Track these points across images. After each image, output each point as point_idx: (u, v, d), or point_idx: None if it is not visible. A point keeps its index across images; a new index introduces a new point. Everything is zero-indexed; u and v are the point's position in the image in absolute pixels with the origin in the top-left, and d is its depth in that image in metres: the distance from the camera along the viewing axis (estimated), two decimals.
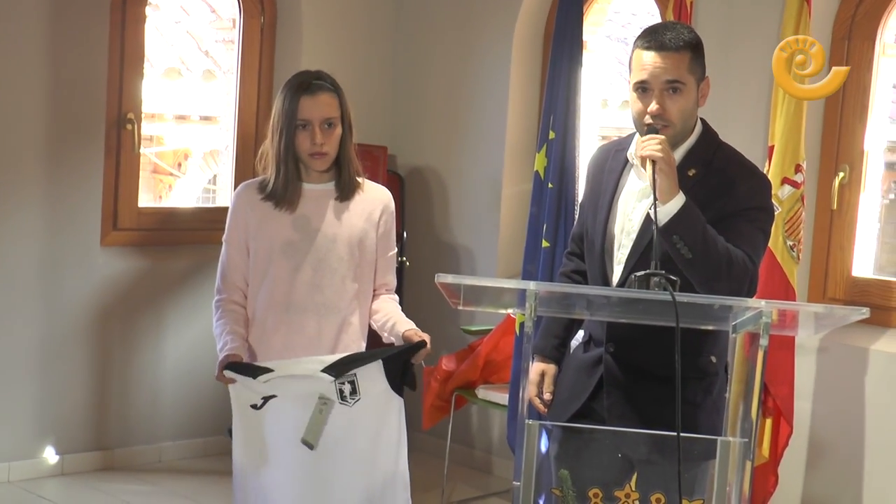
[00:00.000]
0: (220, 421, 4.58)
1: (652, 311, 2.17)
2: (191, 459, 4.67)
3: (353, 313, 2.81)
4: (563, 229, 3.84)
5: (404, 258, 4.63)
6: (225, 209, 2.91)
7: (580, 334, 2.65)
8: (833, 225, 3.86)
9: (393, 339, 2.78)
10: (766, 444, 3.57)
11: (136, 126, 4.45)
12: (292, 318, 2.76)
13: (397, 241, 2.94)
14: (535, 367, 2.62)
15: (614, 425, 2.39)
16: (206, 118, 6.44)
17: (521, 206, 4.57)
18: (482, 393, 4.24)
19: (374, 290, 2.88)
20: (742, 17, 3.96)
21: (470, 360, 4.30)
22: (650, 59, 2.38)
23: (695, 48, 2.42)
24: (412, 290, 4.68)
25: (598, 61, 4.81)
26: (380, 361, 2.65)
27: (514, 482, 2.19)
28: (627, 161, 2.54)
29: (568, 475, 2.22)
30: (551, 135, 3.90)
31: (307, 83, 2.74)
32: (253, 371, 2.65)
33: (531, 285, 2.19)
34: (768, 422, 3.56)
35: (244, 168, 4.75)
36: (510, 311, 3.54)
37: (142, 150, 4.58)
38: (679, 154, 2.46)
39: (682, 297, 2.11)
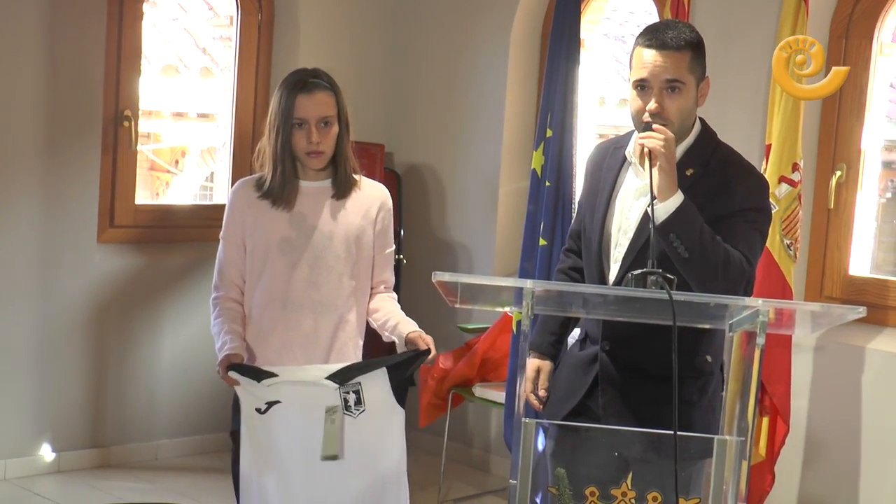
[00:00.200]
0: (218, 419, 4.58)
1: (648, 309, 2.17)
2: (187, 457, 4.66)
3: (350, 311, 2.81)
4: (560, 227, 3.85)
5: (401, 256, 4.63)
6: (222, 206, 2.91)
7: (576, 331, 2.65)
8: (830, 224, 3.86)
9: (395, 339, 2.78)
10: (763, 442, 3.57)
11: (133, 123, 4.45)
12: (289, 315, 2.76)
13: (394, 239, 2.93)
14: (531, 364, 2.62)
15: (609, 424, 2.39)
16: (203, 115, 6.44)
17: (519, 203, 4.57)
18: (479, 391, 4.25)
19: (372, 288, 2.88)
20: (739, 15, 3.96)
21: (467, 358, 4.30)
22: (651, 57, 2.38)
23: (696, 48, 2.41)
24: (409, 288, 4.68)
25: (596, 59, 4.81)
26: (384, 369, 2.66)
27: (510, 480, 2.19)
28: (625, 159, 2.54)
29: (564, 473, 2.21)
30: (549, 133, 3.90)
31: (304, 82, 2.74)
32: (257, 374, 2.65)
33: (528, 283, 2.19)
34: (765, 420, 3.56)
35: (241, 165, 4.75)
36: (507, 309, 3.54)
37: (139, 147, 4.58)
38: (677, 153, 2.45)
39: (679, 296, 2.11)
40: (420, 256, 4.85)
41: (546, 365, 2.63)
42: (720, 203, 2.40)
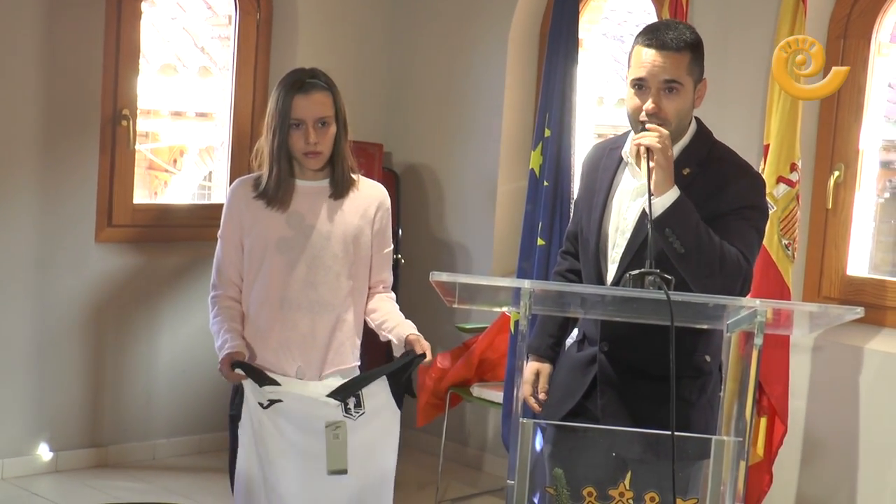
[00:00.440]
0: (215, 418, 4.58)
1: (646, 309, 2.17)
2: (185, 457, 4.66)
3: (347, 310, 2.81)
4: (558, 227, 3.85)
5: (399, 255, 4.63)
6: (220, 206, 2.91)
7: (574, 332, 2.65)
8: (828, 224, 3.86)
9: (393, 339, 2.78)
10: (761, 442, 3.57)
11: (131, 122, 4.45)
12: (286, 315, 2.76)
13: (392, 239, 2.93)
14: (530, 367, 2.62)
15: (608, 424, 2.39)
16: (201, 115, 6.43)
17: (517, 203, 4.57)
18: (477, 391, 4.25)
19: (371, 288, 2.88)
20: (738, 15, 3.96)
21: (465, 358, 4.30)
22: (650, 57, 2.38)
23: (695, 49, 2.41)
24: (407, 288, 4.68)
25: (594, 59, 4.81)
26: (384, 377, 2.69)
27: (508, 480, 2.19)
28: (622, 159, 2.54)
29: (562, 474, 2.21)
30: (547, 132, 3.90)
31: (301, 82, 2.73)
32: (261, 378, 2.66)
33: (526, 283, 2.18)
34: (763, 420, 3.56)
35: (239, 164, 4.75)
36: (505, 309, 3.54)
37: (137, 147, 4.58)
38: (674, 153, 2.45)
39: (677, 296, 2.11)
40: (418, 256, 4.85)
41: (545, 368, 2.63)
42: (717, 201, 2.40)
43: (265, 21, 4.83)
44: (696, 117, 2.52)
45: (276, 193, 2.76)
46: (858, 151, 3.81)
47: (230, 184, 3.34)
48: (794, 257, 3.57)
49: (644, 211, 2.38)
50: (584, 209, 2.58)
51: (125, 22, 4.41)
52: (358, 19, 4.98)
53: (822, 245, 3.87)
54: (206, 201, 6.00)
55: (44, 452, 4.36)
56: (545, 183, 3.89)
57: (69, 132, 4.31)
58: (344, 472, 2.63)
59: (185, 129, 6.66)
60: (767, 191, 3.40)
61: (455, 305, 2.31)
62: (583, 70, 4.03)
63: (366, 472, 2.70)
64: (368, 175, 2.98)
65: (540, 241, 3.87)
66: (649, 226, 2.25)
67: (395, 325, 2.78)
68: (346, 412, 2.66)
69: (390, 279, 2.91)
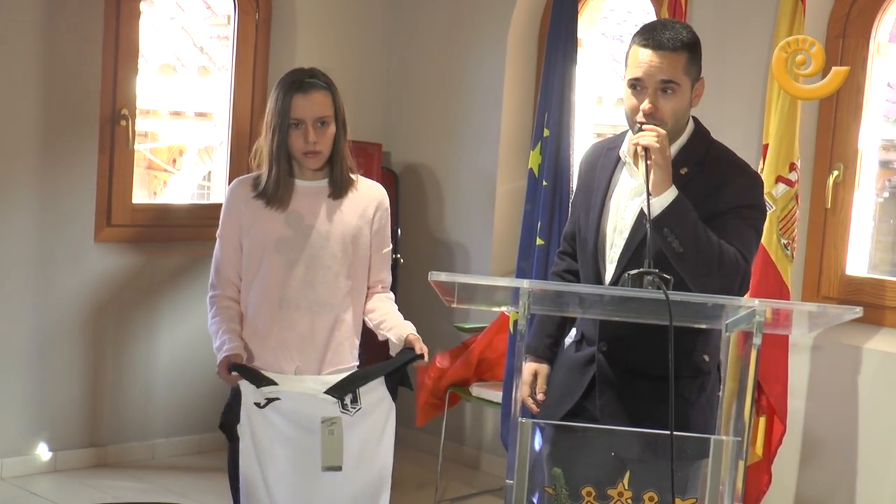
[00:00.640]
0: (214, 418, 4.55)
1: (645, 309, 2.17)
2: (184, 456, 4.66)
3: (346, 310, 2.81)
4: (557, 227, 3.84)
5: (398, 255, 4.63)
6: (219, 205, 2.91)
7: (572, 332, 2.65)
8: (827, 223, 3.86)
9: (392, 338, 2.78)
10: (760, 442, 3.57)
11: (130, 122, 4.45)
12: (285, 314, 2.76)
13: (391, 239, 2.94)
14: (528, 367, 2.62)
15: (606, 424, 2.39)
16: (200, 114, 6.43)
17: (516, 203, 4.57)
18: (476, 391, 4.25)
19: (369, 288, 2.88)
20: (736, 15, 3.96)
21: (464, 358, 4.30)
22: (646, 57, 2.38)
23: (692, 49, 2.41)
24: (406, 287, 4.67)
25: (593, 59, 4.81)
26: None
27: (507, 480, 2.19)
28: (619, 159, 2.53)
29: (561, 473, 2.21)
30: (546, 132, 3.90)
31: (300, 81, 2.73)
32: (257, 380, 2.66)
33: (524, 283, 2.18)
34: (762, 420, 3.56)
35: (239, 164, 4.75)
36: (504, 308, 3.54)
37: (136, 146, 4.57)
38: (671, 152, 2.45)
39: (676, 296, 2.11)
40: (417, 256, 4.85)
41: (543, 368, 2.63)
42: (715, 201, 2.40)
43: (264, 21, 4.83)
44: (693, 117, 2.52)
45: (275, 193, 2.76)
46: (857, 151, 3.81)
47: (229, 183, 3.35)
48: (793, 257, 3.57)
49: (642, 210, 2.38)
50: (582, 209, 2.58)
51: (124, 22, 4.41)
52: (357, 19, 4.97)
53: (821, 245, 3.87)
54: (205, 201, 6.00)
55: (43, 452, 4.36)
56: (544, 183, 3.89)
57: (68, 132, 4.31)
58: (338, 468, 2.63)
59: (184, 128, 6.66)
60: (766, 190, 3.40)
61: (454, 305, 2.31)
62: (582, 70, 4.03)
63: (364, 468, 2.70)
64: (367, 175, 2.98)
65: (539, 241, 3.87)
66: (647, 225, 2.24)
67: (394, 325, 2.79)
68: (342, 408, 2.66)
69: (389, 279, 2.91)
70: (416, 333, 2.74)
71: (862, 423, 3.68)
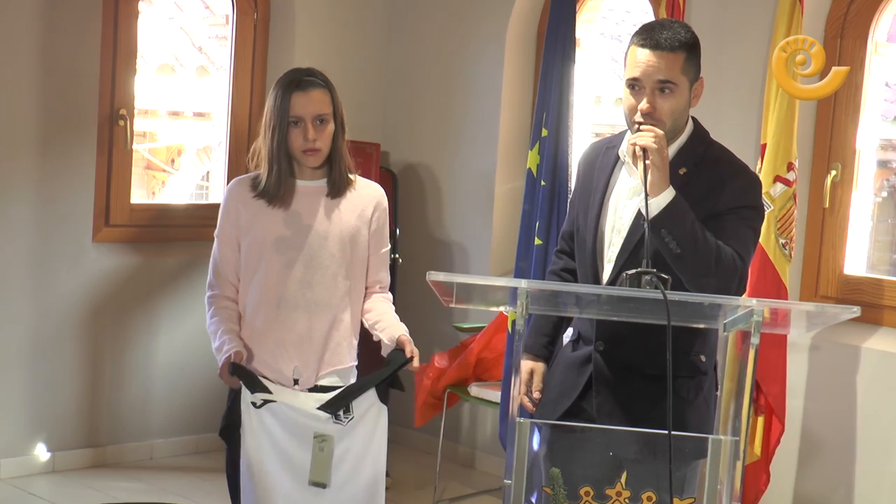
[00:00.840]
0: (213, 419, 4.56)
1: (643, 309, 2.17)
2: (182, 457, 4.66)
3: (344, 310, 2.81)
4: (555, 227, 3.85)
5: (397, 255, 4.63)
6: (218, 206, 2.91)
7: (569, 331, 2.65)
8: (825, 223, 3.86)
9: (384, 339, 2.78)
10: (758, 441, 3.57)
11: (128, 122, 4.44)
12: (283, 314, 2.76)
13: (390, 239, 2.93)
14: (524, 366, 2.62)
15: (603, 423, 2.39)
16: (199, 114, 6.43)
17: (514, 203, 4.57)
18: (474, 391, 4.25)
19: (367, 288, 2.88)
20: (734, 15, 3.97)
21: (462, 358, 4.30)
22: (644, 56, 2.38)
23: (690, 49, 2.41)
24: (405, 288, 4.67)
25: (592, 59, 4.81)
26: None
27: (505, 480, 2.19)
28: (618, 159, 2.53)
29: (559, 473, 2.21)
30: (544, 132, 3.90)
31: (299, 80, 2.74)
32: (252, 385, 2.66)
33: (522, 283, 2.19)
34: (760, 420, 3.57)
35: (237, 164, 4.75)
36: (502, 308, 3.54)
37: (134, 146, 4.57)
38: (670, 152, 2.45)
39: (674, 296, 2.11)
40: (416, 256, 4.85)
41: (539, 367, 2.63)
42: (713, 201, 2.41)
43: (262, 21, 4.82)
44: (693, 117, 2.52)
45: (276, 192, 2.76)
46: (855, 150, 3.82)
47: (228, 184, 3.35)
48: (791, 256, 3.57)
49: (640, 210, 2.38)
50: (581, 208, 2.58)
51: (122, 21, 4.41)
52: (355, 19, 4.97)
53: (819, 244, 3.87)
54: (203, 201, 5.99)
55: (41, 453, 4.36)
56: (542, 182, 3.89)
57: (66, 132, 4.31)
58: (324, 485, 2.64)
59: (182, 128, 6.66)
60: (764, 190, 3.40)
61: (452, 305, 2.31)
62: (580, 69, 4.03)
63: (357, 474, 2.70)
64: (366, 175, 2.98)
65: (537, 241, 3.87)
66: (645, 226, 2.25)
67: (388, 326, 2.79)
68: (335, 419, 2.67)
69: (387, 279, 2.91)
70: (408, 335, 2.74)
71: (860, 422, 3.69)
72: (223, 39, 5.03)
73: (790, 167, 3.53)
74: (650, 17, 4.31)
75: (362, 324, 2.88)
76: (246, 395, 2.68)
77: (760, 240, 2.91)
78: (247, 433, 2.66)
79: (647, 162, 2.28)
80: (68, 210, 4.33)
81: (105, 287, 4.46)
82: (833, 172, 3.82)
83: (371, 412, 2.72)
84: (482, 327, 4.37)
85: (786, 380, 3.58)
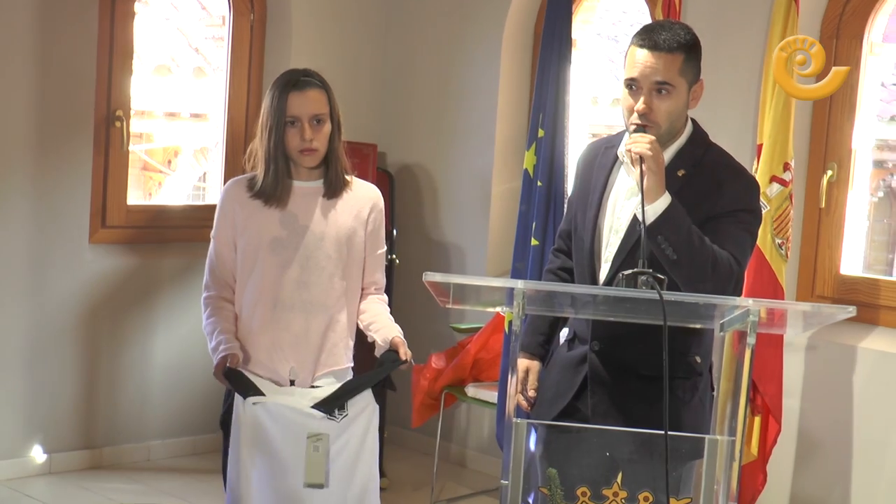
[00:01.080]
0: (210, 419, 4.57)
1: (639, 309, 2.17)
2: (180, 458, 4.66)
3: (340, 311, 2.81)
4: (552, 227, 3.85)
5: (394, 256, 4.62)
6: (214, 207, 2.91)
7: (565, 331, 2.65)
8: (821, 223, 3.87)
9: (378, 340, 2.79)
10: (755, 441, 3.58)
11: (125, 123, 4.44)
12: (279, 315, 2.76)
13: (387, 239, 2.94)
14: (520, 364, 2.63)
15: (598, 423, 2.39)
16: (196, 115, 6.43)
17: (511, 203, 4.57)
18: (472, 391, 4.25)
19: (363, 289, 2.88)
20: (730, 15, 3.97)
21: (459, 359, 4.30)
22: (642, 57, 2.38)
23: (690, 50, 2.41)
24: (402, 288, 4.68)
25: (588, 59, 4.81)
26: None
27: (502, 481, 2.19)
28: (617, 158, 2.54)
29: (556, 474, 2.22)
30: (540, 133, 3.90)
31: (295, 80, 2.74)
32: (245, 389, 2.66)
33: (519, 284, 2.19)
34: (757, 420, 3.57)
35: (234, 165, 4.74)
36: (499, 309, 3.54)
37: (131, 147, 4.57)
38: (669, 154, 2.46)
39: (670, 296, 2.11)
40: (413, 256, 4.85)
41: (534, 365, 2.63)
42: (711, 204, 2.41)
43: (259, 21, 4.82)
44: (692, 119, 2.52)
45: (273, 192, 2.76)
46: (851, 151, 3.82)
47: (224, 184, 3.35)
48: (787, 256, 3.58)
49: (637, 215, 2.38)
50: (579, 208, 2.58)
51: (118, 22, 4.41)
52: (352, 20, 4.97)
53: (815, 244, 3.88)
54: (200, 202, 5.99)
55: (37, 454, 4.35)
56: (539, 183, 3.89)
57: (63, 133, 4.30)
58: (320, 486, 2.64)
59: (179, 129, 6.65)
60: (761, 190, 3.40)
61: (449, 306, 2.31)
62: (576, 70, 4.03)
63: (351, 475, 2.70)
64: (363, 176, 2.98)
65: (534, 242, 3.87)
66: (641, 230, 2.25)
67: (382, 328, 2.79)
68: (329, 416, 2.67)
69: (383, 281, 2.91)
70: (401, 337, 2.75)
71: (857, 422, 3.69)
72: (220, 40, 5.02)
73: (786, 167, 3.53)
74: (646, 18, 4.32)
75: (357, 325, 2.88)
76: (238, 397, 2.69)
77: (757, 240, 2.91)
78: (238, 428, 2.66)
79: (644, 168, 2.28)
80: (65, 211, 4.33)
81: (102, 288, 4.45)
82: (829, 172, 3.82)
83: (366, 412, 2.73)
84: (479, 328, 4.37)
85: (782, 380, 3.59)
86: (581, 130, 4.69)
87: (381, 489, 2.84)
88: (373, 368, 2.74)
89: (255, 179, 2.80)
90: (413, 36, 4.98)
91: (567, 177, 3.91)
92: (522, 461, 2.19)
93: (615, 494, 2.19)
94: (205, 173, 6.58)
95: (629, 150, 2.33)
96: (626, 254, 2.43)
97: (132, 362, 4.56)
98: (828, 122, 3.84)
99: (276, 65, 4.70)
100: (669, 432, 2.13)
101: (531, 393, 2.60)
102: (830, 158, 3.84)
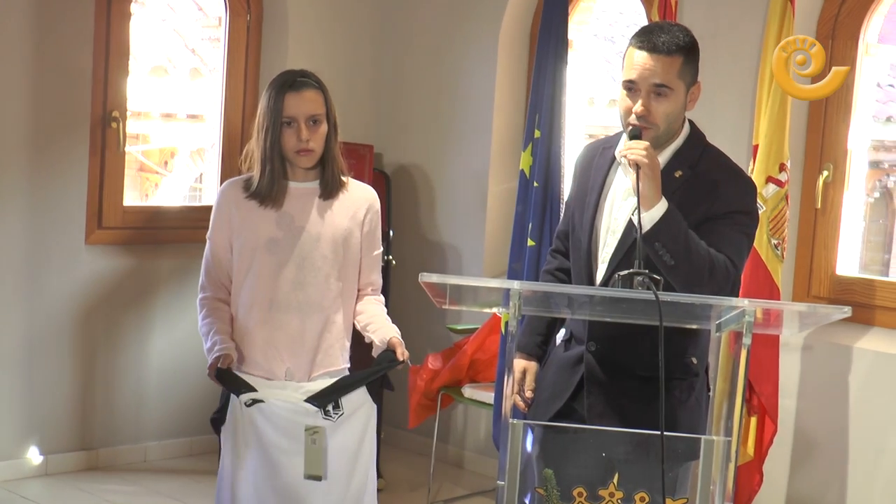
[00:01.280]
0: (206, 421, 4.54)
1: (635, 310, 2.17)
2: (176, 459, 4.65)
3: (336, 312, 2.81)
4: (548, 228, 3.85)
5: (390, 257, 4.62)
6: (211, 208, 2.90)
7: (562, 331, 2.65)
8: (817, 224, 3.87)
9: (375, 341, 2.79)
10: (751, 442, 3.58)
11: (121, 124, 4.44)
12: (275, 315, 2.76)
13: (383, 240, 2.94)
14: (517, 365, 2.63)
15: (594, 424, 2.39)
16: (192, 116, 6.43)
17: (507, 204, 4.57)
18: (468, 392, 4.25)
19: (359, 290, 2.88)
20: (726, 16, 3.98)
21: (456, 359, 4.30)
22: (641, 59, 2.39)
23: (688, 53, 2.41)
24: (398, 289, 4.68)
25: (585, 60, 4.82)
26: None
27: (498, 481, 2.19)
28: (615, 159, 2.54)
29: (552, 474, 2.22)
30: (537, 133, 3.90)
31: (292, 81, 2.74)
32: (237, 387, 2.66)
33: (515, 284, 2.19)
34: (753, 420, 3.57)
35: (230, 166, 4.74)
36: (495, 310, 3.54)
37: (127, 149, 4.56)
38: (666, 155, 2.46)
39: (666, 297, 2.11)
40: (409, 257, 4.85)
41: (532, 366, 2.63)
42: (708, 206, 2.41)
43: (255, 22, 4.82)
44: (689, 120, 2.52)
45: (269, 193, 2.76)
46: (847, 151, 3.83)
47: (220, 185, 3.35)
48: (783, 257, 3.58)
49: (633, 220, 2.38)
50: (577, 208, 2.58)
51: (114, 23, 4.40)
52: (348, 21, 4.97)
53: (811, 245, 3.88)
54: (196, 203, 6.00)
55: (34, 456, 4.35)
56: (535, 184, 3.89)
57: (59, 134, 4.30)
58: (319, 478, 2.64)
59: (175, 130, 6.66)
60: (757, 191, 3.41)
61: (445, 307, 2.31)
62: (573, 71, 4.03)
63: (346, 472, 2.70)
64: (359, 176, 2.98)
65: (530, 242, 3.87)
66: (637, 234, 2.25)
67: (379, 328, 2.79)
68: (325, 415, 2.67)
69: (379, 282, 2.91)
70: (399, 338, 2.75)
71: (853, 422, 3.70)
72: (216, 41, 5.03)
73: (782, 168, 3.53)
74: (643, 19, 4.32)
75: (354, 326, 2.88)
76: (234, 399, 2.69)
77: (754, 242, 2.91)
78: (233, 429, 2.66)
79: (640, 180, 2.28)
80: (61, 212, 4.33)
81: (98, 289, 4.45)
82: (825, 173, 3.83)
83: (362, 410, 2.73)
84: (475, 329, 4.37)
85: (778, 380, 3.59)
86: (577, 131, 4.69)
87: (378, 490, 2.84)
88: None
89: (251, 180, 2.80)
90: (409, 37, 4.98)
91: (563, 177, 3.91)
92: (519, 462, 2.19)
93: (611, 495, 2.20)
94: (201, 174, 6.58)
95: (625, 156, 2.33)
96: (623, 254, 2.43)
97: (128, 363, 4.55)
98: (824, 123, 3.85)
99: (272, 66, 4.70)
100: (665, 433, 2.13)
101: (528, 394, 2.60)
102: (826, 159, 3.85)
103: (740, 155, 3.52)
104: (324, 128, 2.76)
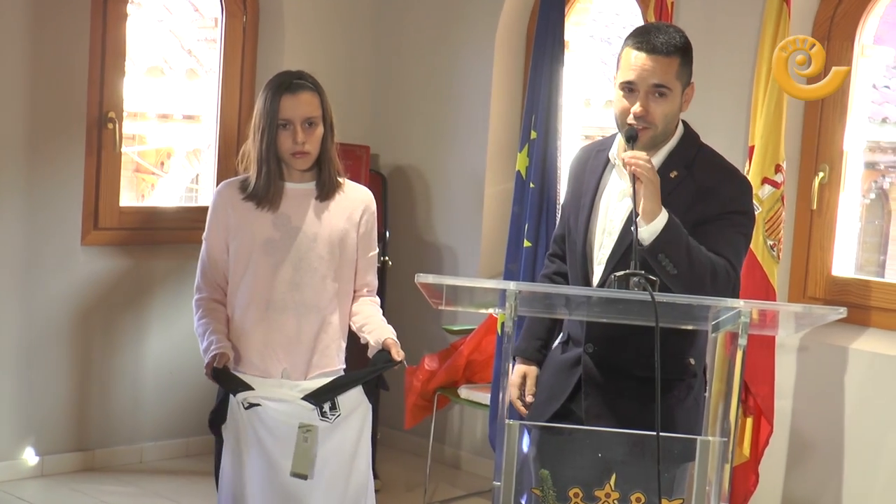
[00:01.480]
0: (203, 421, 4.54)
1: (631, 311, 2.17)
2: (172, 460, 4.65)
3: (333, 313, 2.81)
4: (544, 229, 3.85)
5: (387, 258, 4.63)
6: (207, 209, 2.90)
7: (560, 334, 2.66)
8: (813, 225, 3.88)
9: (371, 341, 2.79)
10: (747, 442, 3.58)
11: (117, 125, 4.43)
12: (271, 316, 2.76)
13: (379, 241, 2.94)
14: (517, 369, 2.63)
15: (591, 425, 2.39)
16: (188, 117, 6.43)
17: (504, 205, 4.58)
18: (464, 392, 4.25)
19: (355, 291, 2.88)
20: (722, 17, 3.98)
21: (452, 360, 4.30)
22: (639, 60, 2.39)
23: (684, 54, 2.42)
24: (395, 290, 4.68)
25: (581, 61, 4.82)
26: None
27: (494, 482, 2.20)
28: (609, 161, 2.54)
29: (548, 475, 2.22)
30: (533, 134, 3.90)
31: (288, 82, 2.74)
32: (234, 386, 2.66)
33: (511, 285, 2.19)
34: (749, 421, 3.58)
35: (226, 167, 4.74)
36: (492, 310, 3.55)
37: (123, 149, 4.56)
38: (661, 156, 2.47)
39: (662, 297, 2.12)
40: (405, 258, 4.85)
41: (532, 370, 2.63)
42: (704, 206, 2.41)
43: (251, 23, 4.82)
44: (683, 120, 2.53)
45: (265, 194, 2.76)
46: (843, 152, 3.83)
47: (217, 186, 3.35)
48: (779, 258, 3.59)
49: (631, 214, 2.38)
50: (572, 211, 2.59)
51: (111, 24, 4.40)
52: (344, 21, 4.98)
53: (807, 246, 3.89)
54: (192, 204, 5.99)
55: (30, 456, 4.34)
56: (531, 185, 3.89)
57: (55, 135, 4.29)
58: (305, 477, 2.64)
59: (171, 131, 6.66)
60: (753, 192, 3.41)
61: (441, 307, 2.31)
62: (569, 72, 4.04)
63: (343, 473, 2.71)
64: (355, 177, 2.98)
65: (526, 243, 3.88)
66: (634, 235, 2.25)
67: (375, 329, 2.80)
68: (321, 416, 2.67)
69: (375, 283, 2.92)
70: (394, 338, 2.75)
71: (848, 423, 3.70)
72: (212, 42, 5.03)
73: (778, 169, 3.54)
74: (639, 20, 4.33)
75: (350, 327, 2.88)
76: (233, 400, 2.69)
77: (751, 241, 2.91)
78: (234, 428, 2.66)
79: (640, 195, 2.28)
80: (57, 213, 4.32)
81: (94, 290, 4.45)
82: (821, 174, 3.84)
83: (359, 410, 2.73)
84: (472, 329, 4.37)
85: (774, 381, 3.60)
86: (573, 132, 4.70)
87: (374, 491, 2.84)
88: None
89: (247, 181, 2.80)
90: (406, 38, 4.98)
91: (560, 179, 3.92)
92: (515, 462, 2.19)
93: (608, 496, 2.20)
94: (197, 175, 6.58)
95: (626, 163, 2.33)
96: (621, 256, 2.44)
97: (125, 364, 4.55)
98: (819, 124, 3.85)
99: (268, 67, 4.69)
100: (662, 433, 2.13)
101: (529, 398, 2.61)
102: (822, 160, 3.86)
103: (736, 156, 3.53)
104: (320, 130, 2.76)
